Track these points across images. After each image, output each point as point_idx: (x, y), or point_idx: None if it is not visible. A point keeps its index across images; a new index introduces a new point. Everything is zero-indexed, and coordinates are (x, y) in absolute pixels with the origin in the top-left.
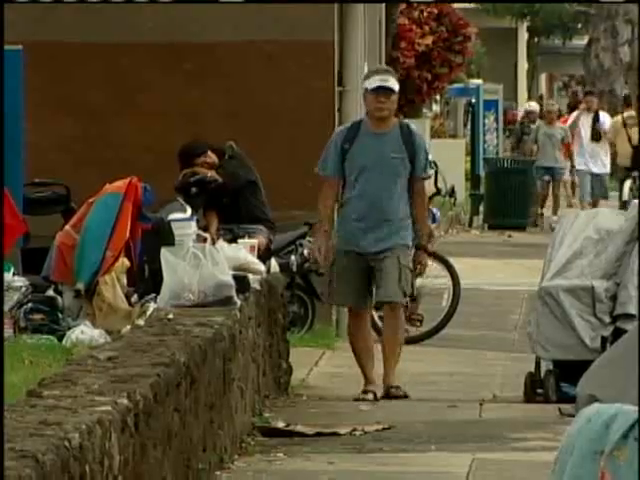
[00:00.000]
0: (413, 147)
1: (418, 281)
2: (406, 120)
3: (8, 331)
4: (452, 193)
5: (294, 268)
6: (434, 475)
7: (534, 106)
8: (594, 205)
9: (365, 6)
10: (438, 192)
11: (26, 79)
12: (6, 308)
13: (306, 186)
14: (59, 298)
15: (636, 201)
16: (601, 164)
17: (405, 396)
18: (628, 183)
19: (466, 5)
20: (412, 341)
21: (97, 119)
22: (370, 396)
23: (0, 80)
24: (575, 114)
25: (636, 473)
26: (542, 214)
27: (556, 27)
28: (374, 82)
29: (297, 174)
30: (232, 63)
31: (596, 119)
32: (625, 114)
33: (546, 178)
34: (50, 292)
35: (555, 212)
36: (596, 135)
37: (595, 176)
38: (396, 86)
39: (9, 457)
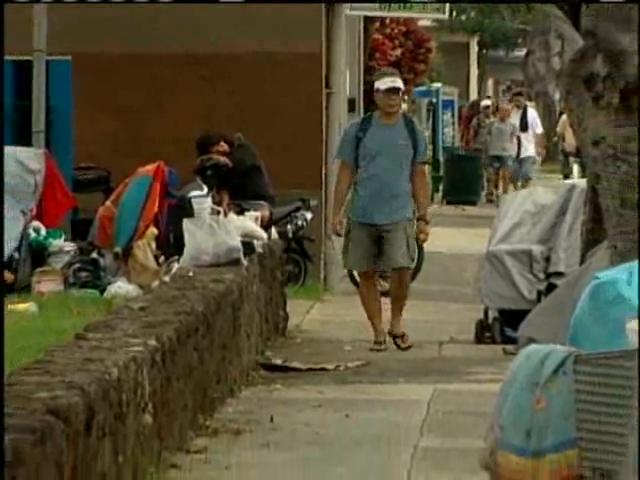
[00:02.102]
0: (416, 136)
1: None
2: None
3: (59, 286)
4: None
5: (290, 235)
6: (403, 402)
7: (488, 102)
8: (524, 185)
9: (347, 23)
10: None
11: (73, 84)
12: (58, 267)
13: (300, 170)
14: (101, 259)
15: (568, 181)
16: (524, 150)
17: (409, 346)
18: (576, 166)
19: (427, 24)
20: (384, 294)
21: (131, 116)
22: (382, 346)
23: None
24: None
25: (565, 401)
26: (497, 194)
27: (501, 41)
28: (385, 83)
29: (292, 160)
30: (239, 70)
31: (524, 114)
32: None
33: (496, 165)
34: (94, 255)
35: (505, 191)
36: (524, 126)
37: (521, 159)
38: (402, 85)
39: (60, 387)
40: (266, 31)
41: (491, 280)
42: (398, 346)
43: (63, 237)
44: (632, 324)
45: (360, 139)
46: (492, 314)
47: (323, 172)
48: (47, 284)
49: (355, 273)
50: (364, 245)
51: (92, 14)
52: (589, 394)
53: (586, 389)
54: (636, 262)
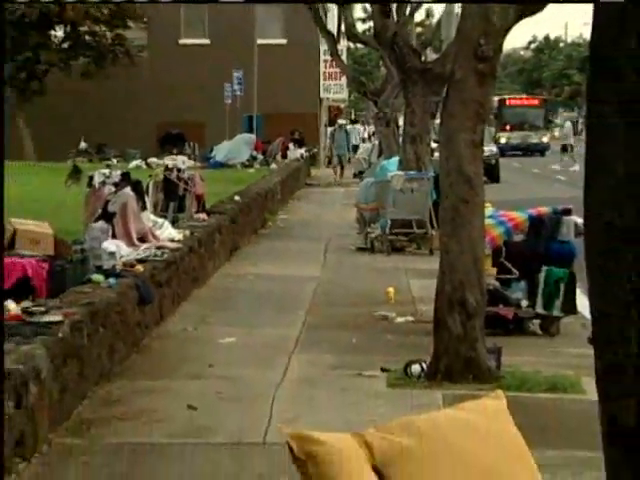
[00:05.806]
0: (348, 136)
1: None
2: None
3: (253, 169)
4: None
5: (310, 154)
6: (337, 192)
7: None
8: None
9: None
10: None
11: (262, 123)
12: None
13: (312, 140)
14: (271, 163)
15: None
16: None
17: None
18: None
19: (341, 105)
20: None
21: (275, 129)
22: (335, 182)
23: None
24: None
25: (375, 190)
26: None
27: (363, 110)
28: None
29: (311, 138)
30: (299, 117)
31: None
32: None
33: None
34: (272, 165)
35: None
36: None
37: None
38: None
39: (245, 197)
40: (306, 105)
41: (356, 164)
42: (338, 185)
43: (259, 153)
44: (390, 174)
45: (333, 135)
46: (357, 172)
47: (320, 141)
48: (256, 166)
49: (326, 165)
50: (337, 160)
51: (271, 97)
52: (379, 190)
53: (378, 188)
54: (388, 160)
